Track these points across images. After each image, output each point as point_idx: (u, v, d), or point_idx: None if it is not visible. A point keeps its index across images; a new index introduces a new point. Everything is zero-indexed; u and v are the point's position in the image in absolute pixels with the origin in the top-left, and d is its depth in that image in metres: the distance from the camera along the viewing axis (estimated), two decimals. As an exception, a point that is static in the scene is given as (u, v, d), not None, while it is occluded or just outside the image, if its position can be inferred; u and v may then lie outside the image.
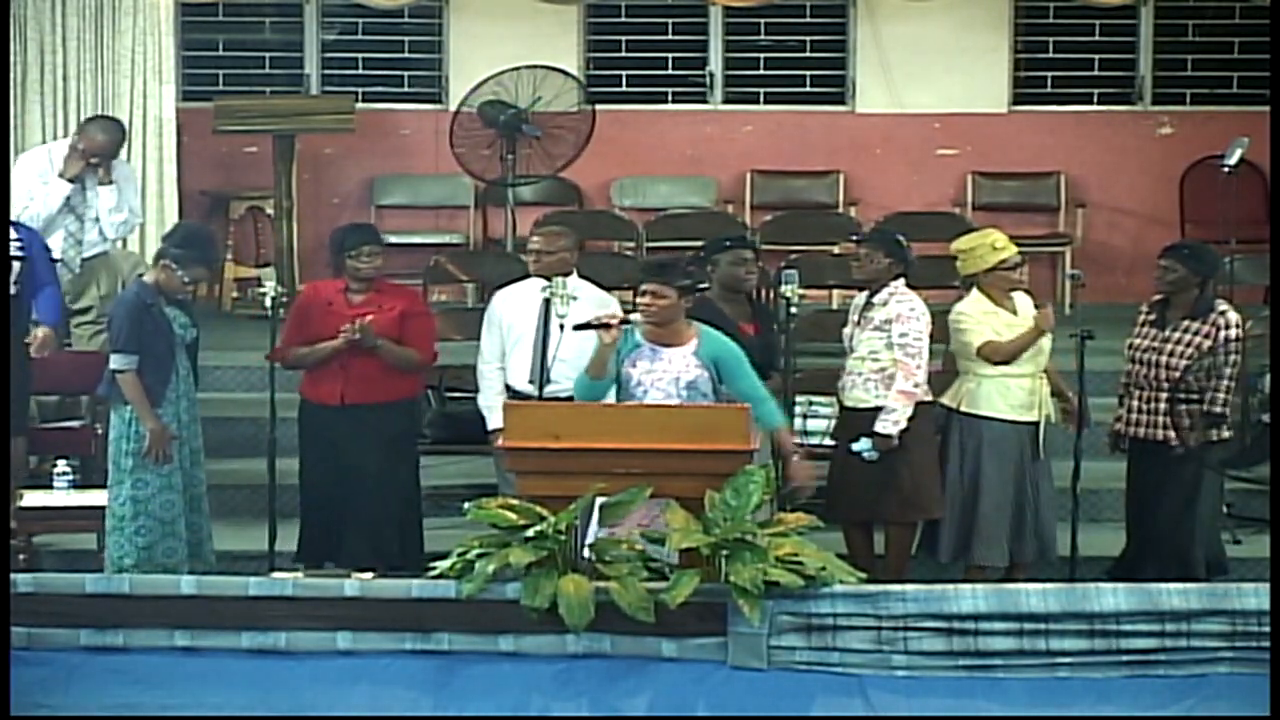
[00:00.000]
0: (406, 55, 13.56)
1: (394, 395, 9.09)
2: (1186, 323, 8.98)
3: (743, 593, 7.48)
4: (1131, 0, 13.19)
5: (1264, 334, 9.66)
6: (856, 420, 8.98)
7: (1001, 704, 7.59)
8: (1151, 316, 9.12)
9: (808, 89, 13.59)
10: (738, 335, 8.93)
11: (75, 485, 9.39)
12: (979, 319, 9.02)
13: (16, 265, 9.47)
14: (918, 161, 13.42)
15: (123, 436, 8.85)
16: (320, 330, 9.01)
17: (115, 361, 8.82)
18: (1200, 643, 7.63)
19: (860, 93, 13.48)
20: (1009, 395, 9.00)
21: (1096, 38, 13.52)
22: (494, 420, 9.11)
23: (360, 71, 13.53)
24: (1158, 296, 9.14)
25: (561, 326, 8.65)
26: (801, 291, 9.13)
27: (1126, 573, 8.89)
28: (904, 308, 8.96)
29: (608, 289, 9.28)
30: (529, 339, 8.96)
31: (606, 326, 8.33)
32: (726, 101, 13.58)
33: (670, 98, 13.61)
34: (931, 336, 9.02)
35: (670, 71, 13.60)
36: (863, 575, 7.83)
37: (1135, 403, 9.06)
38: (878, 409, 8.90)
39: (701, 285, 8.58)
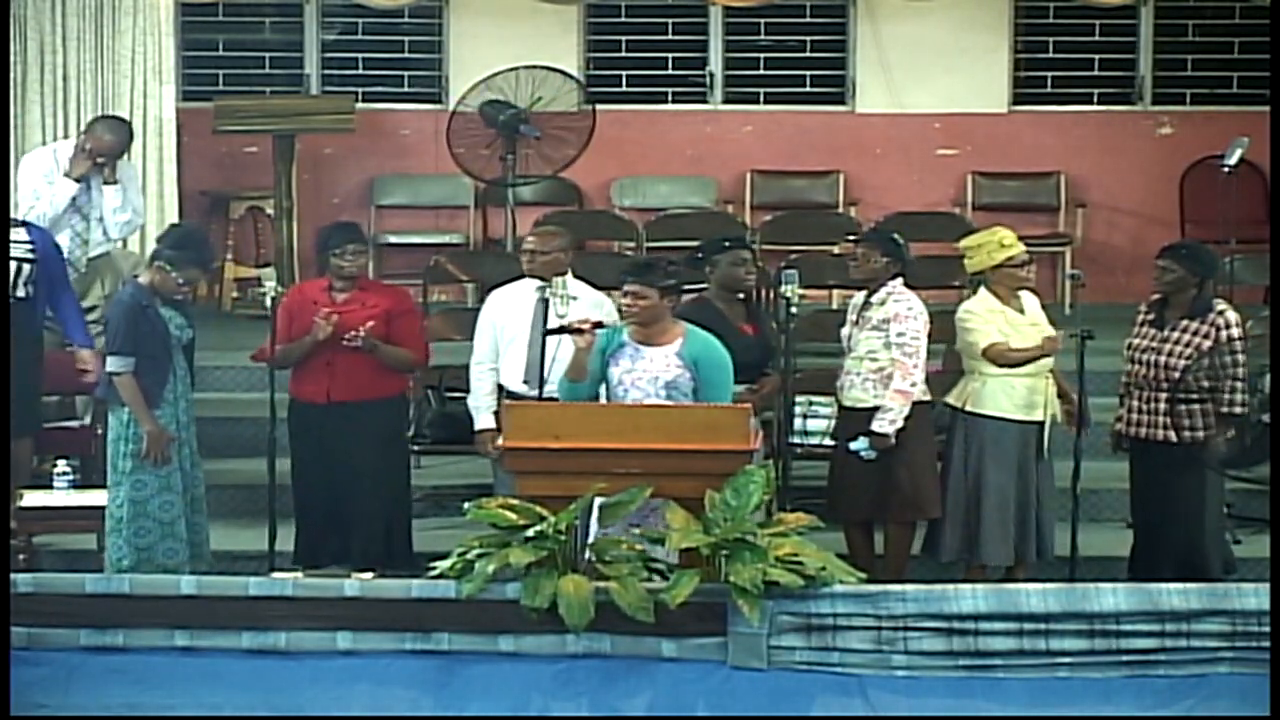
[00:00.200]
0: (406, 55, 13.56)
1: (381, 393, 9.10)
2: (1185, 322, 8.97)
3: (743, 593, 7.48)
4: (1131, 0, 13.19)
5: (1264, 334, 9.65)
6: (855, 420, 8.98)
7: (1001, 704, 7.60)
8: (1150, 316, 9.11)
9: (808, 89, 13.59)
10: (737, 336, 8.94)
11: (75, 485, 9.39)
12: (985, 318, 9.01)
13: (28, 267, 9.51)
14: (918, 161, 13.42)
15: (121, 438, 8.85)
16: (306, 330, 9.01)
17: (112, 364, 8.83)
18: (1200, 643, 7.63)
19: (860, 93, 13.48)
20: (1014, 395, 9.00)
21: (1096, 38, 13.52)
22: (481, 421, 9.16)
23: (360, 71, 13.53)
24: (1156, 296, 9.14)
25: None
26: (801, 291, 9.12)
27: (1141, 572, 8.90)
28: (902, 307, 8.96)
29: (607, 289, 9.27)
30: (523, 339, 8.97)
31: (579, 331, 8.36)
32: (726, 101, 13.58)
33: (670, 98, 13.61)
34: (930, 336, 9.02)
35: (670, 71, 13.60)
36: (863, 575, 7.84)
37: (1135, 403, 9.06)
38: (876, 408, 8.90)
39: (687, 285, 8.58)
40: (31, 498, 9.31)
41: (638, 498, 7.76)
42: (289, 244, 12.14)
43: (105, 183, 10.28)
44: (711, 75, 13.56)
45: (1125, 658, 7.64)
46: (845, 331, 9.16)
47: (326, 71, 13.54)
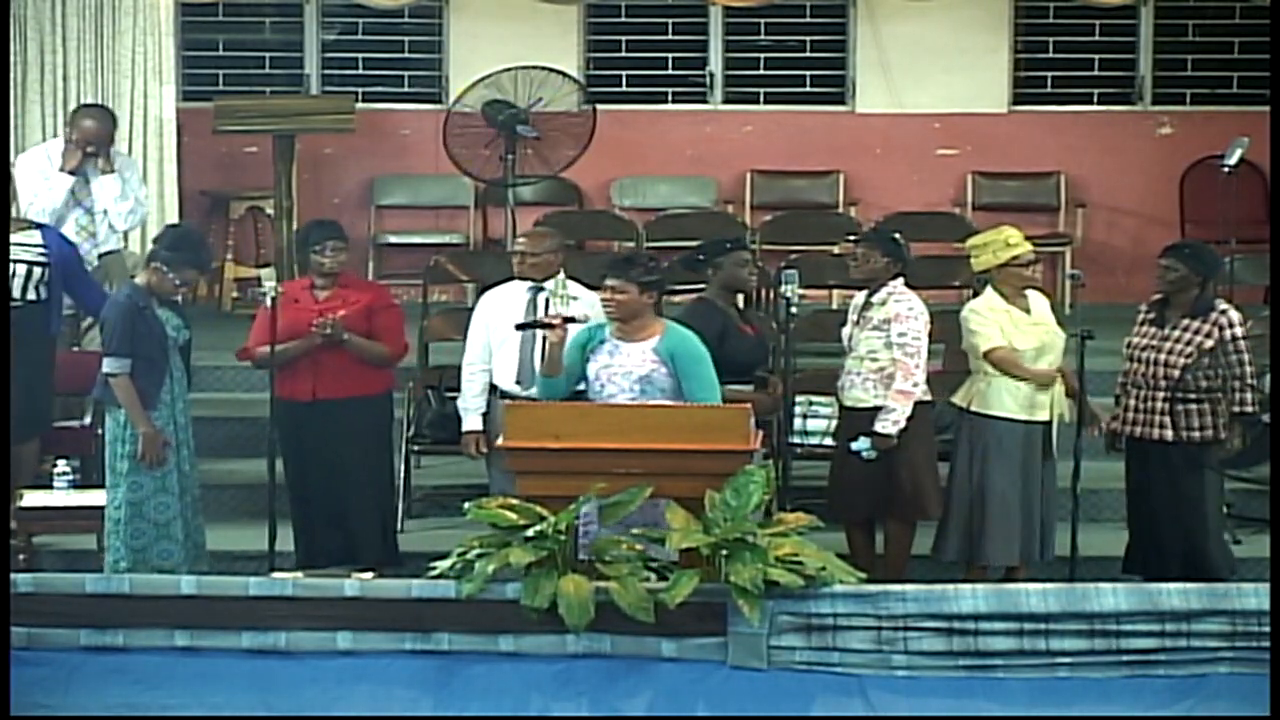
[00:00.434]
0: (406, 55, 13.56)
1: (366, 390, 9.11)
2: (1186, 321, 8.97)
3: (743, 593, 7.48)
4: (1131, 0, 13.19)
5: (1264, 334, 9.65)
6: (856, 420, 8.98)
7: (1001, 704, 7.60)
8: (1151, 315, 9.11)
9: (808, 89, 13.59)
10: (741, 336, 8.96)
11: (75, 485, 9.40)
12: (989, 318, 8.99)
13: (39, 270, 9.54)
14: (918, 161, 13.42)
15: (118, 439, 8.85)
16: (288, 327, 9.00)
17: (108, 365, 8.83)
18: (1200, 643, 7.63)
19: (860, 93, 13.48)
20: (1019, 395, 8.99)
21: (1096, 38, 13.52)
22: (469, 423, 9.20)
23: (360, 71, 13.54)
24: (1157, 296, 9.14)
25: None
26: (801, 291, 9.12)
27: (1134, 571, 8.91)
28: (902, 307, 8.96)
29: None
30: (515, 340, 8.97)
31: (550, 326, 8.39)
32: (726, 101, 13.58)
33: (670, 98, 13.61)
34: (930, 336, 9.02)
35: (670, 71, 13.60)
36: (863, 575, 7.84)
37: (1133, 401, 9.06)
38: (877, 408, 8.90)
39: (685, 285, 8.61)
40: (31, 498, 9.32)
41: (638, 498, 7.76)
42: (289, 244, 12.12)
43: (103, 172, 10.29)
44: (711, 75, 13.56)
45: (1125, 658, 7.64)
46: (846, 331, 9.16)
47: (326, 71, 13.54)
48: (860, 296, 9.19)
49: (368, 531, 9.14)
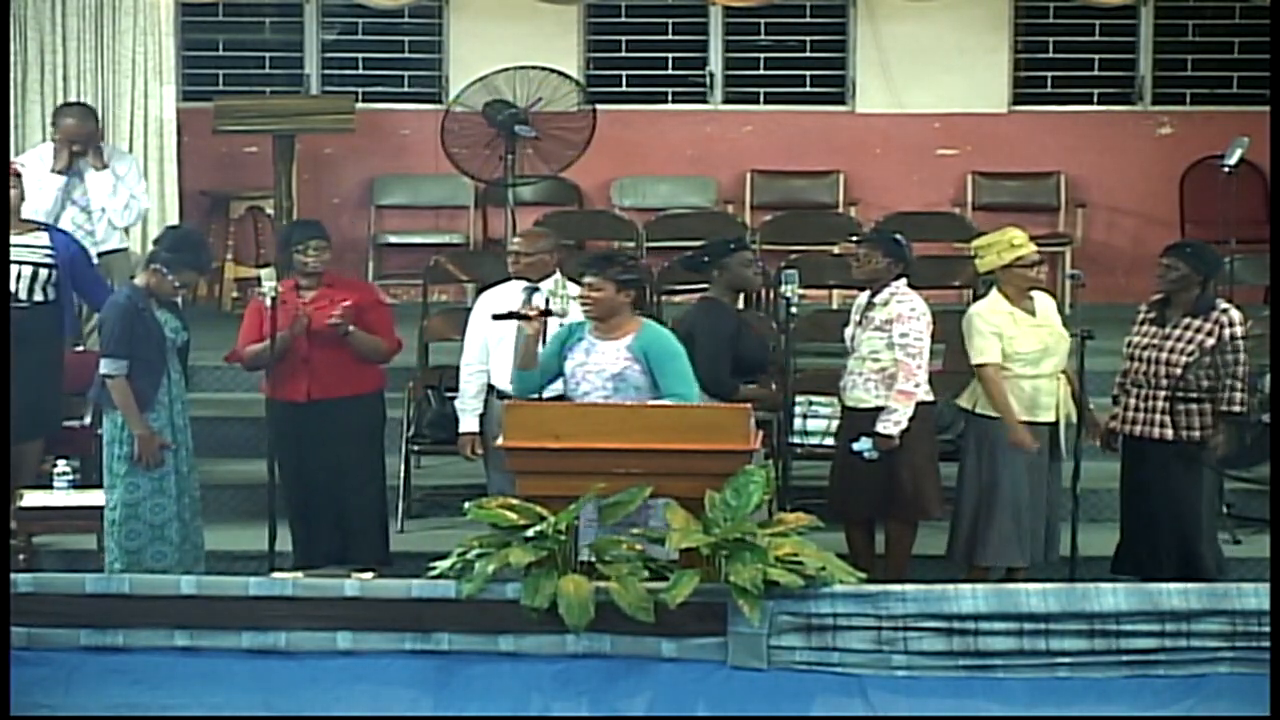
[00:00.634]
0: (406, 55, 13.56)
1: (360, 389, 9.14)
2: (1188, 320, 8.97)
3: (743, 593, 7.48)
4: (1131, 0, 13.19)
5: (1264, 334, 9.65)
6: (857, 420, 8.99)
7: (1001, 704, 7.60)
8: (1151, 315, 9.11)
9: (808, 89, 13.58)
10: (750, 335, 8.97)
11: (75, 485, 9.40)
12: (992, 326, 8.98)
13: (45, 271, 9.56)
14: (918, 161, 13.41)
15: (115, 441, 8.86)
16: (277, 328, 9.00)
17: (105, 366, 8.83)
18: (1200, 643, 7.63)
19: (860, 93, 13.48)
20: (1022, 397, 9.00)
21: (1096, 38, 13.52)
22: (465, 424, 9.24)
23: (360, 71, 13.53)
24: (1158, 295, 9.14)
25: (560, 326, 8.66)
26: (801, 291, 9.13)
27: (1124, 569, 8.91)
28: (904, 308, 8.96)
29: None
30: (511, 340, 8.97)
31: (526, 317, 8.41)
32: (726, 101, 13.58)
33: (670, 98, 13.61)
34: (933, 337, 9.01)
35: (670, 71, 13.59)
36: (863, 575, 7.84)
37: (1133, 400, 9.06)
38: (879, 409, 8.90)
39: (684, 285, 8.63)
40: (31, 498, 9.32)
41: (638, 498, 7.76)
42: (289, 244, 12.13)
43: (95, 169, 10.31)
44: (711, 75, 13.56)
45: (1125, 658, 7.64)
46: (849, 331, 9.16)
47: (326, 71, 13.54)
48: (863, 297, 9.19)
49: (364, 531, 9.16)
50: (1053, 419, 9.04)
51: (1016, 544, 9.00)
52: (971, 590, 7.76)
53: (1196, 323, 8.96)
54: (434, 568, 7.86)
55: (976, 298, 9.70)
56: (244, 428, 10.24)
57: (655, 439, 7.85)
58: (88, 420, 9.88)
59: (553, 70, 11.84)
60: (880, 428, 8.87)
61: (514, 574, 7.60)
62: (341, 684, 7.72)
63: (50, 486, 9.39)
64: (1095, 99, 13.56)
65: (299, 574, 8.74)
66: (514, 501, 7.83)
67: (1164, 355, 8.96)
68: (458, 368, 9.45)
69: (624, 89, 13.51)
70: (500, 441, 8.11)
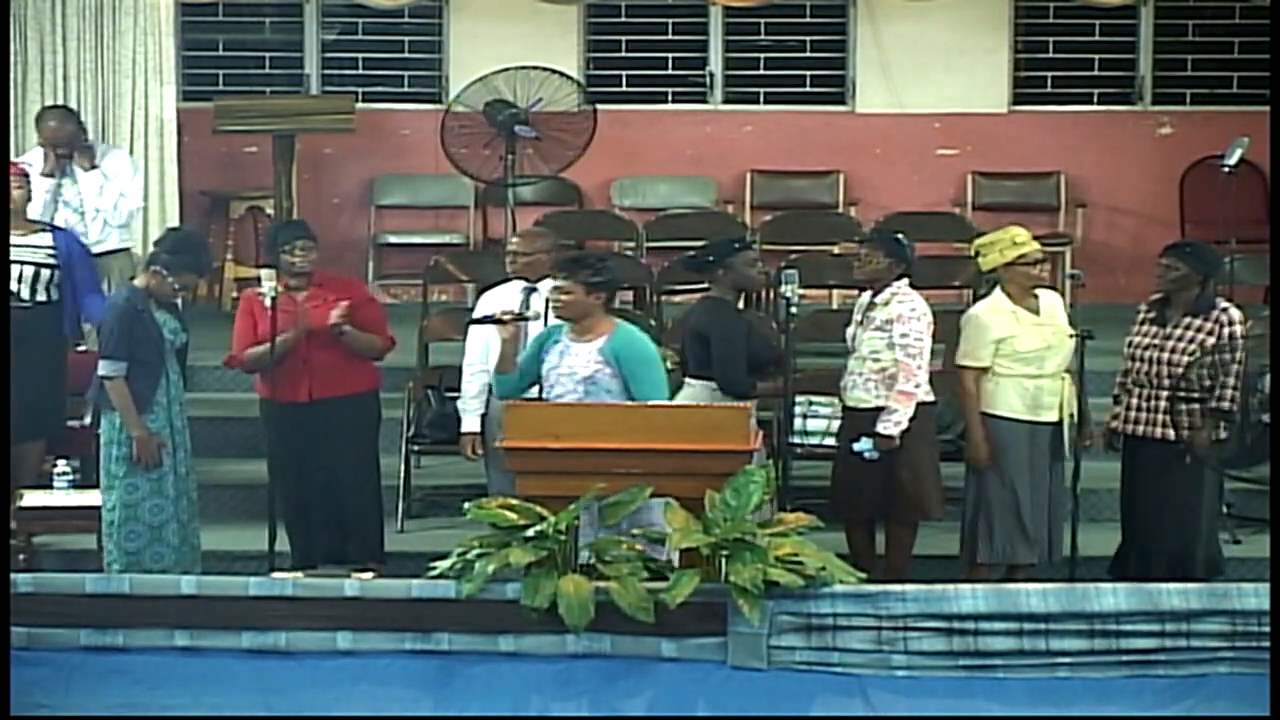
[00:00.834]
0: (406, 55, 13.56)
1: (358, 388, 9.16)
2: (1188, 320, 8.97)
3: (743, 593, 7.48)
4: (1131, 0, 13.19)
5: (1264, 334, 9.64)
6: (858, 420, 8.98)
7: (1001, 704, 7.59)
8: (1151, 314, 9.11)
9: (808, 89, 13.59)
10: (758, 334, 8.99)
11: (75, 485, 9.40)
12: (988, 329, 8.98)
13: (47, 272, 9.59)
14: (918, 161, 13.42)
15: (113, 442, 8.86)
16: (269, 331, 9.00)
17: (104, 368, 8.83)
18: (1200, 643, 7.63)
19: (860, 93, 13.48)
20: (1024, 396, 8.99)
21: (1096, 38, 13.52)
22: (467, 424, 9.24)
23: (360, 71, 13.53)
24: (1157, 295, 9.14)
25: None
26: (801, 291, 9.12)
27: (1124, 570, 8.91)
28: (905, 308, 8.96)
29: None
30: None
31: (501, 322, 8.42)
32: (726, 101, 13.58)
33: (670, 98, 13.61)
34: (933, 337, 9.01)
35: (670, 71, 13.59)
36: (863, 575, 7.84)
37: (1135, 400, 9.05)
38: (879, 409, 8.90)
39: (686, 285, 8.63)
40: (31, 498, 9.32)
41: (638, 498, 7.76)
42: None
43: (84, 170, 10.32)
44: (711, 75, 13.56)
45: (1125, 658, 7.64)
46: (850, 331, 9.16)
47: (326, 71, 13.54)
48: (864, 296, 9.19)
49: (361, 529, 9.17)
50: (1055, 419, 9.03)
51: (1021, 542, 8.99)
52: (971, 590, 7.76)
53: (1197, 322, 8.96)
54: (434, 568, 7.86)
55: (977, 298, 9.71)
56: (243, 428, 10.24)
57: (655, 439, 7.85)
58: (88, 420, 9.88)
59: (553, 70, 11.84)
60: (880, 428, 8.87)
61: (514, 574, 7.60)
62: (341, 684, 7.72)
63: (50, 486, 9.39)
64: (1095, 99, 13.56)
65: (299, 574, 8.74)
66: (514, 501, 7.83)
67: (1165, 355, 8.96)
68: (457, 368, 9.46)
69: (624, 89, 13.51)
70: (500, 441, 8.11)
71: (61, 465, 9.44)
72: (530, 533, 7.62)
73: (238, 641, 7.75)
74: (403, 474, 9.96)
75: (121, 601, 7.80)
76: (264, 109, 12.23)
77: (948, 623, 7.64)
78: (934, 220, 12.35)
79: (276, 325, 8.96)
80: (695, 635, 7.63)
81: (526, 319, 8.57)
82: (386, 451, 9.63)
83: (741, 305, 9.42)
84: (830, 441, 9.42)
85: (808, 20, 13.56)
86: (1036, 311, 9.09)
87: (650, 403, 8.16)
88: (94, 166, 10.41)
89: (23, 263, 9.54)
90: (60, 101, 11.46)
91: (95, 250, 10.24)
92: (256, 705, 7.68)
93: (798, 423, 9.55)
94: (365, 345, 9.14)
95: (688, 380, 8.94)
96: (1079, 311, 9.65)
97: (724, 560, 7.58)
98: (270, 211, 12.43)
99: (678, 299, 11.37)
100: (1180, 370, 8.89)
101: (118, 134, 11.61)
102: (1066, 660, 7.64)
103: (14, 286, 9.53)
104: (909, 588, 7.78)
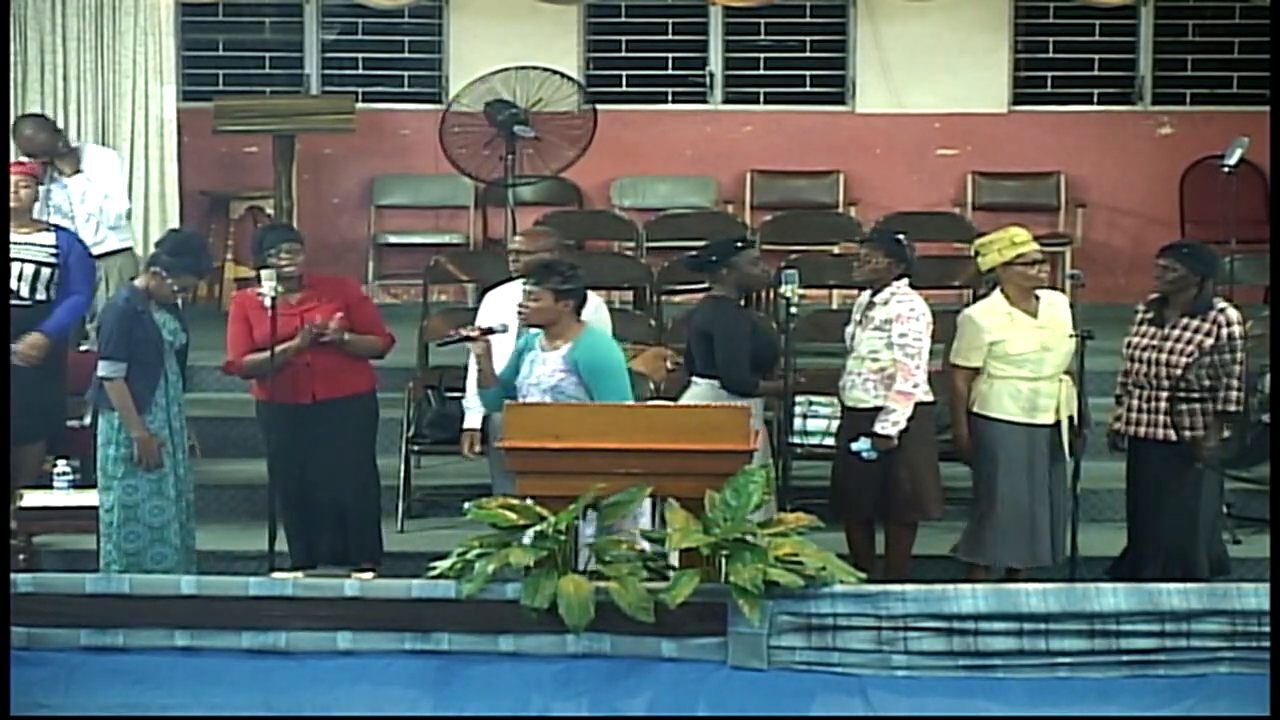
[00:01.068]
0: (406, 55, 13.56)
1: (358, 388, 9.16)
2: (1186, 320, 8.97)
3: (743, 593, 7.48)
4: (1131, 0, 13.19)
5: (1264, 334, 9.64)
6: (857, 420, 8.98)
7: (1001, 704, 7.60)
8: (1149, 315, 9.11)
9: (808, 89, 13.59)
10: (763, 333, 8.99)
11: (75, 485, 9.40)
12: (981, 329, 8.98)
13: (47, 271, 9.60)
14: (918, 161, 13.42)
15: (111, 442, 8.85)
16: (265, 334, 8.99)
17: (103, 368, 8.83)
18: (1200, 643, 7.63)
19: (860, 93, 13.48)
20: (1020, 398, 8.99)
21: (1096, 38, 13.52)
22: (469, 421, 9.23)
23: (360, 71, 13.54)
24: (1155, 295, 9.13)
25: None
26: (801, 291, 9.12)
27: (1127, 571, 8.90)
28: (904, 308, 8.96)
29: (606, 289, 9.28)
30: (513, 339, 8.97)
31: (469, 338, 8.43)
32: (726, 101, 13.59)
33: (670, 98, 13.61)
34: (932, 337, 9.01)
35: (670, 71, 13.60)
36: (863, 575, 7.84)
37: (1135, 401, 9.05)
38: (878, 409, 8.90)
39: (687, 286, 8.63)
40: (31, 498, 9.32)
41: (638, 498, 7.76)
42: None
43: (68, 175, 10.34)
44: (711, 75, 13.56)
45: (1125, 658, 7.64)
46: (849, 331, 9.16)
47: (326, 71, 13.54)
48: (864, 296, 9.19)
49: (361, 529, 9.17)
50: (1052, 420, 9.03)
51: (1021, 544, 8.98)
52: (971, 590, 7.76)
53: (1195, 323, 8.96)
54: (434, 568, 7.87)
55: (977, 298, 9.71)
56: (243, 428, 10.22)
57: (655, 439, 7.85)
58: (88, 420, 9.88)
59: (553, 70, 11.85)
60: (878, 428, 8.87)
61: (514, 574, 7.60)
62: (341, 684, 7.72)
63: (50, 486, 9.39)
64: (1095, 99, 13.56)
65: (299, 574, 8.75)
66: (514, 501, 7.83)
67: (1163, 356, 8.96)
68: (457, 368, 9.45)
69: (624, 89, 13.51)
70: (500, 441, 8.11)
71: (61, 465, 9.45)
72: (530, 533, 7.62)
73: (238, 641, 7.75)
74: (403, 474, 9.96)
75: (121, 601, 7.80)
76: (264, 109, 12.24)
77: (948, 623, 7.65)
78: (934, 220, 12.35)
79: (263, 330, 8.94)
80: (695, 635, 7.64)
81: (495, 331, 8.56)
82: (386, 451, 9.63)
83: (741, 305, 9.42)
84: (830, 441, 9.42)
85: (808, 20, 13.56)
86: (1035, 314, 9.08)
87: (650, 403, 8.16)
88: (78, 170, 10.43)
89: (23, 261, 9.55)
90: (60, 101, 11.47)
91: (95, 252, 10.24)
92: (256, 705, 7.68)
93: (797, 423, 9.55)
94: (366, 347, 9.15)
95: (693, 379, 8.94)
96: (1079, 312, 9.64)
97: (724, 560, 7.59)
98: (270, 212, 12.43)
99: (678, 299, 11.37)
100: (1179, 371, 8.89)
101: (118, 134, 11.61)
102: (1066, 660, 7.64)
103: (14, 285, 9.53)
104: (909, 588, 7.78)
